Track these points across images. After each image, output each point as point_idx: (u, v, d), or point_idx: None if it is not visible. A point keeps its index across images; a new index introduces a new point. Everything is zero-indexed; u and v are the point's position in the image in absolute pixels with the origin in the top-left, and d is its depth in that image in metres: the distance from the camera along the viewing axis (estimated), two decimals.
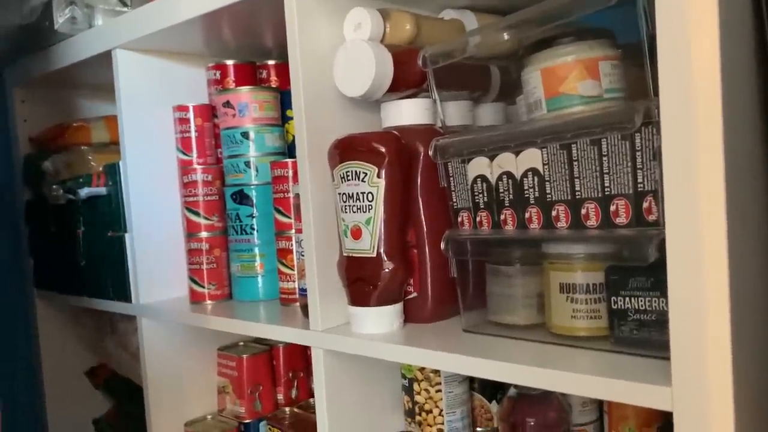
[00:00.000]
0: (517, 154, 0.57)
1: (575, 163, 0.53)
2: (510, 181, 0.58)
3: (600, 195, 0.53)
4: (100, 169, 0.99)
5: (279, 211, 0.83)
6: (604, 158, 0.52)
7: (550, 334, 0.58)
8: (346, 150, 0.65)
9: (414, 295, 0.68)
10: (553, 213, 0.56)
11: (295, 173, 0.72)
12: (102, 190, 0.97)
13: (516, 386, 0.67)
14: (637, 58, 0.50)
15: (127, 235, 0.93)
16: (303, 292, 0.73)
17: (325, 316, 0.68)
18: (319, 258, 0.68)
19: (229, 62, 0.95)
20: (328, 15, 0.68)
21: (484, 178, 0.61)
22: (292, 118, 0.83)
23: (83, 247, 1.04)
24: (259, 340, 0.99)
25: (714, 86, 0.42)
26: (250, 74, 0.96)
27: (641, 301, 0.51)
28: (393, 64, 0.65)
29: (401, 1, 0.73)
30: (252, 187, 0.88)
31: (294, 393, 0.96)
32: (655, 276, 0.50)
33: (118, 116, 0.92)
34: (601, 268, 0.54)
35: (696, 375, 0.43)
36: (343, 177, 0.65)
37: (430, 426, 0.72)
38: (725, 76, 0.42)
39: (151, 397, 0.95)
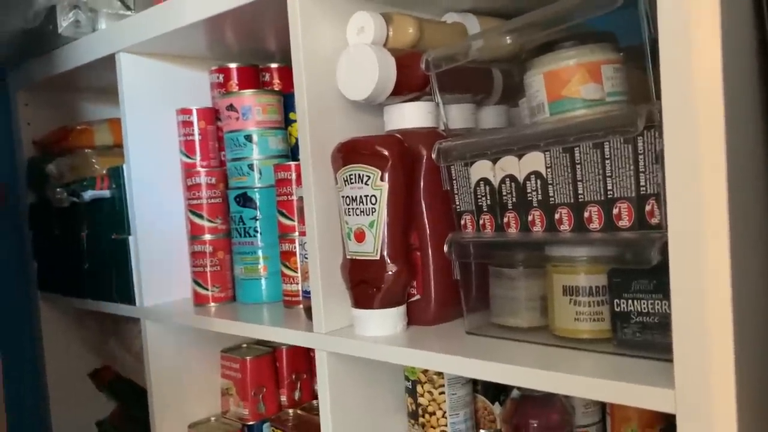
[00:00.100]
0: (520, 157, 0.58)
1: (578, 166, 0.54)
2: (513, 184, 0.59)
3: (603, 198, 0.53)
4: (104, 172, 0.99)
5: (282, 214, 0.84)
6: (607, 161, 0.52)
7: (553, 337, 0.58)
8: (349, 153, 0.66)
9: (417, 297, 0.68)
10: (556, 216, 0.56)
11: (299, 176, 0.72)
12: (106, 193, 0.98)
13: (519, 388, 0.68)
14: (640, 60, 0.50)
15: (130, 238, 0.94)
16: (306, 294, 0.74)
17: (328, 318, 0.69)
18: (323, 260, 0.68)
19: (232, 65, 0.95)
20: (331, 19, 0.69)
21: (487, 181, 0.61)
22: (295, 121, 0.84)
23: (87, 249, 1.05)
24: (262, 342, 0.99)
25: (716, 89, 0.42)
26: (253, 77, 0.96)
27: (644, 303, 0.52)
28: (396, 67, 0.65)
29: (404, 4, 0.74)
30: (255, 189, 0.88)
31: (297, 395, 0.97)
32: (658, 279, 0.50)
33: (122, 120, 0.92)
34: (603, 270, 0.55)
35: (699, 377, 0.43)
36: (347, 180, 0.66)
37: (434, 428, 0.73)
38: (727, 79, 0.42)
39: (154, 399, 0.95)
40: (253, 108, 0.88)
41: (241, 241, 0.89)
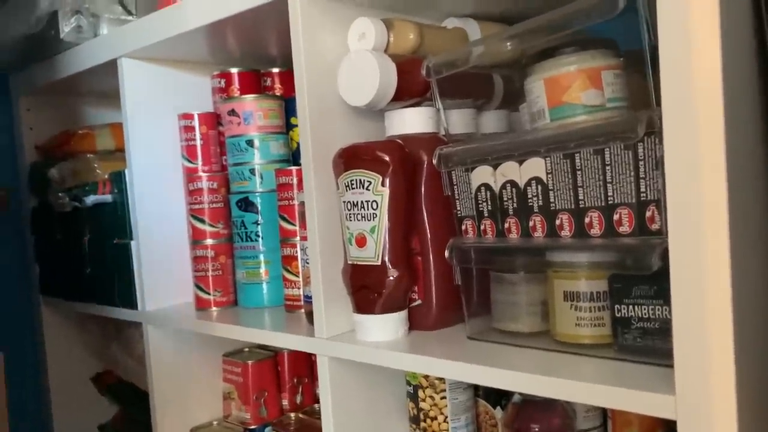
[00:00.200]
0: (520, 163, 0.58)
1: (578, 172, 0.54)
2: (514, 189, 0.59)
3: (603, 204, 0.53)
4: (106, 176, 1.00)
5: (284, 219, 0.84)
6: (607, 168, 0.52)
7: (554, 342, 0.58)
8: (351, 159, 0.66)
9: (418, 302, 0.68)
10: (557, 222, 0.56)
11: (300, 181, 0.72)
12: (108, 198, 0.98)
13: (520, 393, 0.68)
14: (640, 66, 0.50)
15: (132, 243, 0.94)
16: (308, 299, 0.74)
17: (330, 323, 0.69)
18: (324, 265, 0.68)
19: (234, 70, 0.96)
20: (332, 25, 0.69)
21: (487, 186, 0.61)
22: (296, 126, 0.84)
23: (89, 254, 1.05)
24: (263, 346, 0.99)
25: (716, 96, 0.42)
26: (254, 82, 0.97)
27: (644, 309, 0.52)
28: (397, 73, 0.65)
29: (405, 10, 0.74)
30: (257, 194, 0.89)
31: (299, 399, 0.97)
32: (659, 284, 0.50)
33: (124, 125, 0.93)
34: (604, 276, 0.55)
35: (699, 383, 0.44)
36: (348, 185, 0.66)
37: None
38: (727, 86, 0.42)
39: (156, 403, 0.95)
40: (254, 113, 0.88)
41: (243, 245, 0.89)
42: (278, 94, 0.96)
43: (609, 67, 0.56)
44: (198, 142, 0.93)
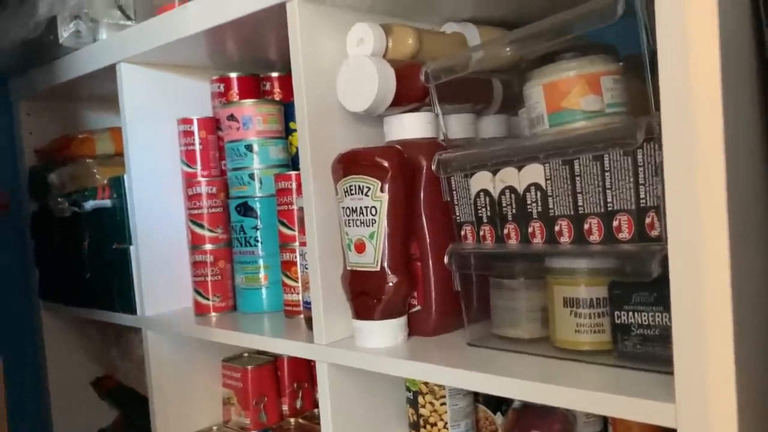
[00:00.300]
0: (519, 168, 0.58)
1: (578, 178, 0.54)
2: (513, 195, 0.59)
3: (602, 210, 0.53)
4: (105, 181, 0.99)
5: (283, 224, 0.84)
6: (607, 174, 0.52)
7: (554, 348, 0.58)
8: (350, 164, 0.66)
9: (418, 308, 0.68)
10: (556, 228, 0.56)
11: (299, 186, 0.72)
12: (107, 203, 0.98)
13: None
14: (640, 71, 0.50)
15: (131, 248, 0.94)
16: (307, 305, 0.74)
17: (329, 329, 0.69)
18: (323, 271, 0.68)
19: (233, 75, 0.96)
20: (330, 30, 0.69)
21: (487, 192, 0.61)
22: (295, 130, 0.84)
23: (88, 259, 1.05)
24: (263, 351, 0.99)
25: (715, 101, 0.42)
26: (253, 87, 0.97)
27: (644, 316, 0.52)
28: (395, 79, 0.65)
29: (403, 14, 0.74)
30: (256, 199, 0.88)
31: (299, 404, 0.97)
32: (659, 291, 0.50)
33: (123, 130, 0.92)
34: (604, 282, 0.55)
35: (699, 391, 0.43)
36: (347, 191, 0.66)
37: None
38: (726, 91, 0.42)
39: (156, 408, 0.95)
40: (253, 118, 0.88)
41: (242, 250, 0.89)
42: (277, 98, 0.96)
43: (608, 72, 0.56)
44: (197, 147, 0.92)
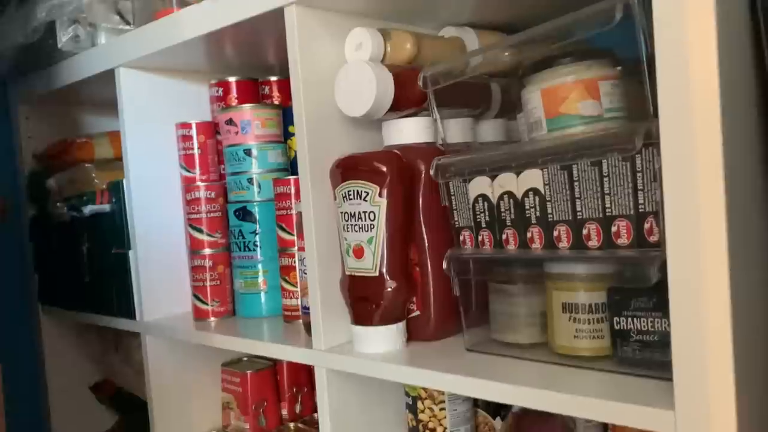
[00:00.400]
0: (518, 174, 0.58)
1: (576, 183, 0.54)
2: (511, 200, 0.58)
3: (601, 216, 0.53)
4: (104, 186, 0.99)
5: (282, 228, 0.84)
6: (605, 179, 0.52)
7: (553, 354, 0.58)
8: (348, 169, 0.65)
9: (417, 313, 0.68)
10: (555, 233, 0.56)
11: (297, 190, 0.72)
12: (106, 208, 0.98)
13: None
14: (638, 75, 0.50)
15: (130, 252, 0.94)
16: (306, 310, 0.73)
17: (328, 334, 0.68)
18: (322, 276, 0.68)
19: (232, 79, 0.96)
20: (329, 35, 0.69)
21: (485, 197, 0.61)
22: (294, 134, 0.84)
23: (87, 263, 1.05)
24: (262, 355, 0.99)
25: (713, 107, 0.42)
26: (252, 91, 0.97)
27: (643, 321, 0.51)
28: (394, 83, 0.65)
29: (402, 19, 0.74)
30: (255, 203, 0.88)
31: (298, 408, 0.97)
32: (658, 296, 0.50)
33: (121, 134, 0.92)
34: (603, 288, 0.54)
35: (699, 397, 0.43)
36: (345, 196, 0.66)
37: None
38: (724, 95, 0.42)
39: (155, 413, 0.95)
40: (252, 122, 0.88)
41: (241, 255, 0.89)
42: (276, 102, 0.96)
43: (606, 77, 0.56)
44: (196, 152, 0.92)
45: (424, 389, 0.72)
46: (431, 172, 0.64)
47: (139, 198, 0.93)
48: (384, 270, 0.64)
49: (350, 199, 0.65)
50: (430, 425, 0.72)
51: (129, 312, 0.95)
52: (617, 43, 0.55)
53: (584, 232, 0.54)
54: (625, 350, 0.53)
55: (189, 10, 0.78)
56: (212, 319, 0.90)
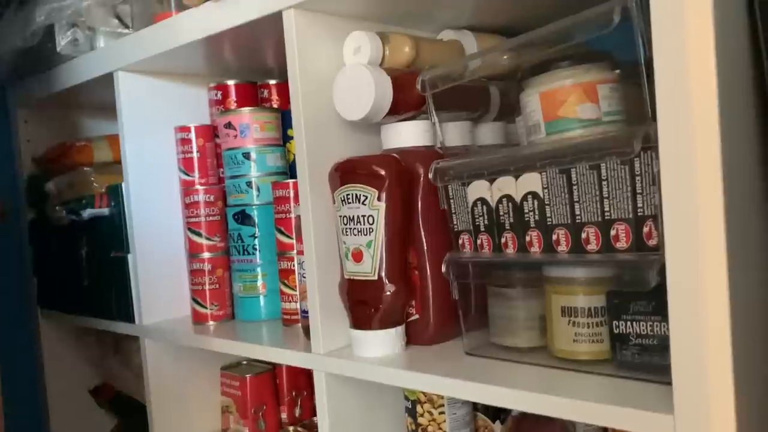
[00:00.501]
0: (516, 177, 0.57)
1: (575, 187, 0.53)
2: (510, 204, 0.58)
3: (600, 219, 0.52)
4: (103, 190, 0.99)
5: (281, 232, 0.83)
6: (604, 183, 0.52)
7: (552, 358, 0.58)
8: (347, 173, 0.65)
9: (416, 317, 0.68)
10: (554, 237, 0.56)
11: (297, 194, 0.72)
12: (104, 211, 0.98)
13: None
14: (637, 78, 0.50)
15: (129, 256, 0.94)
16: (305, 314, 0.73)
17: (327, 338, 0.68)
18: (321, 280, 0.68)
19: (231, 82, 0.96)
20: (327, 38, 0.69)
21: (484, 201, 0.61)
22: (293, 138, 0.84)
23: (86, 267, 1.05)
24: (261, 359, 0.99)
25: (712, 110, 0.42)
26: (251, 94, 0.96)
27: (643, 325, 0.51)
28: (392, 87, 0.65)
29: (400, 22, 0.74)
30: (254, 207, 0.88)
31: (297, 412, 0.96)
32: (657, 300, 0.50)
33: (120, 138, 0.92)
34: (602, 291, 0.54)
35: (698, 402, 0.43)
36: (344, 200, 0.66)
37: None
38: (723, 98, 0.42)
39: (154, 417, 0.95)
40: (251, 125, 0.88)
41: (240, 258, 0.89)
42: (275, 105, 0.96)
43: (605, 80, 0.56)
44: (195, 155, 0.92)
45: (424, 393, 0.72)
46: (430, 176, 0.64)
47: (138, 201, 0.93)
48: (383, 274, 0.64)
49: (349, 203, 0.65)
50: (430, 429, 0.72)
51: (128, 315, 0.95)
52: (616, 46, 0.55)
53: (583, 235, 0.54)
54: (625, 354, 0.52)
55: (188, 13, 0.78)
56: (211, 322, 0.90)
